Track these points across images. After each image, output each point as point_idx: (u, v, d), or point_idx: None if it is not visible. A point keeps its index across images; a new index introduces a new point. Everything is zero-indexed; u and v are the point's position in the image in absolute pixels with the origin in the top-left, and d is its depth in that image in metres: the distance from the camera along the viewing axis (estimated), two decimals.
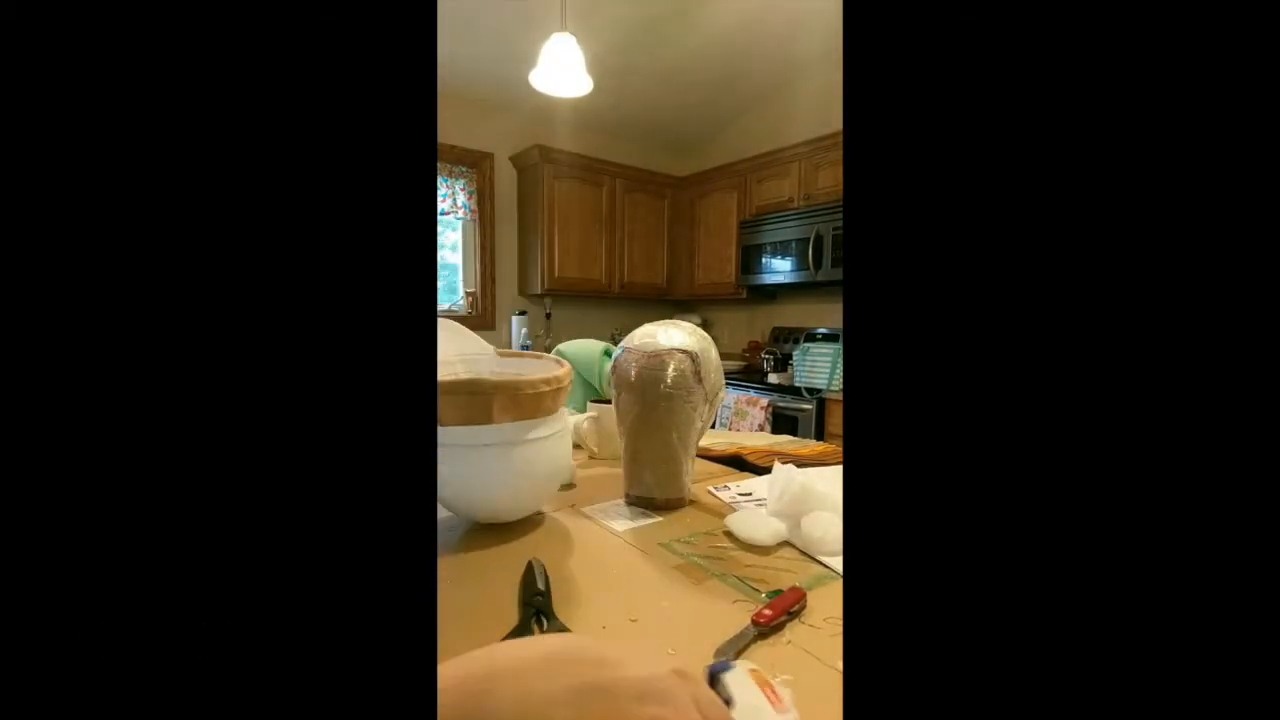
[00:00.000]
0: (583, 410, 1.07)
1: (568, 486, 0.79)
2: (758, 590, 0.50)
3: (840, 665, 0.40)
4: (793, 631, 0.44)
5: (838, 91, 2.72)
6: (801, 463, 0.87)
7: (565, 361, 0.69)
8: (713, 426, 2.06)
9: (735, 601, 0.48)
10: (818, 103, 2.84)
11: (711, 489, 0.80)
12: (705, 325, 3.55)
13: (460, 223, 3.08)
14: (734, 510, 0.67)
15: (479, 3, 2.25)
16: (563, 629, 0.42)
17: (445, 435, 0.57)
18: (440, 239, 3.04)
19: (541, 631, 0.42)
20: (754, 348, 3.20)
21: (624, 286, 3.31)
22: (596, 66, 2.04)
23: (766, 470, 0.87)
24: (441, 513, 0.66)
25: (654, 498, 0.71)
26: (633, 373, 0.70)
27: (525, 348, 3.00)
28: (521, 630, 0.42)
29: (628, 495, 0.73)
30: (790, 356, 2.69)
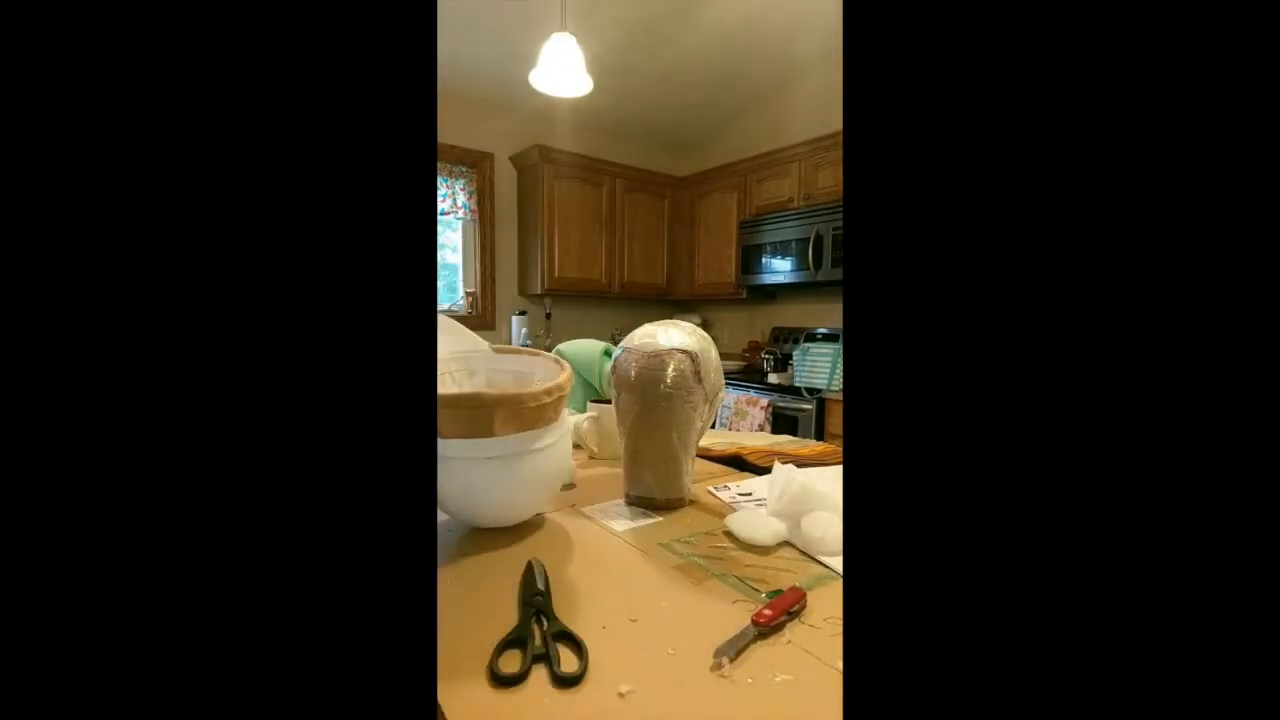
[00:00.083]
0: (583, 410, 1.07)
1: (568, 487, 0.79)
2: (758, 590, 0.50)
3: (840, 665, 0.39)
4: (793, 631, 0.44)
5: (838, 91, 2.72)
6: (801, 463, 0.87)
7: (565, 361, 0.69)
8: (713, 426, 2.06)
9: (735, 601, 0.48)
10: (818, 103, 2.84)
11: (711, 489, 0.80)
12: (705, 325, 3.55)
13: (460, 223, 3.08)
14: (734, 510, 0.67)
15: (479, 3, 2.25)
16: (563, 629, 0.42)
17: (446, 448, 0.56)
18: (440, 239, 3.04)
19: (542, 631, 0.42)
20: (754, 348, 3.20)
21: (624, 286, 3.31)
22: (596, 66, 2.04)
23: (766, 470, 0.87)
24: (441, 515, 0.66)
25: (654, 498, 0.71)
26: (633, 373, 0.70)
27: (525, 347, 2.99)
28: (522, 630, 0.42)
29: (628, 495, 0.73)
30: (790, 356, 2.69)
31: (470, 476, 0.57)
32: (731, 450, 0.98)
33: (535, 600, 0.46)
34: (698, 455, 0.87)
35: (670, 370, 0.68)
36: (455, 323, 0.76)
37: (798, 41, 2.62)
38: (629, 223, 3.27)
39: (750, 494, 0.78)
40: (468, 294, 3.13)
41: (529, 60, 1.76)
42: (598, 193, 3.14)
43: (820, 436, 2.32)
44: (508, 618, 0.45)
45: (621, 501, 0.74)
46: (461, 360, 0.73)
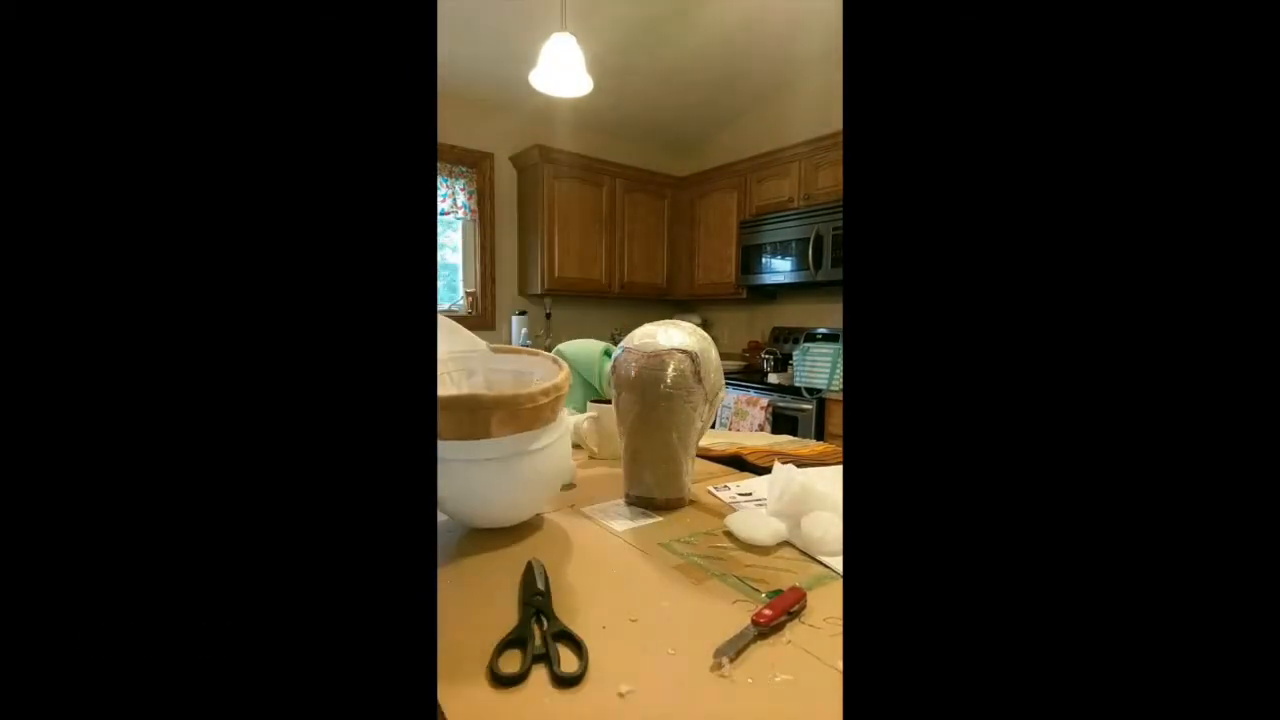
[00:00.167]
0: (583, 410, 1.07)
1: (568, 487, 0.79)
2: (758, 590, 0.50)
3: (840, 665, 0.39)
4: (793, 631, 0.44)
5: (838, 91, 2.72)
6: (801, 463, 0.87)
7: (563, 361, 0.68)
8: (713, 426, 2.06)
9: (735, 601, 0.48)
10: (818, 103, 2.84)
11: (711, 489, 0.80)
12: (705, 325, 3.55)
13: (460, 223, 3.08)
14: (734, 510, 0.67)
15: (479, 3, 2.25)
16: (563, 629, 0.42)
17: (443, 450, 0.56)
18: (440, 239, 3.04)
19: (542, 631, 0.42)
20: (754, 348, 3.20)
21: (624, 286, 3.31)
22: (596, 66, 2.04)
23: (766, 470, 0.87)
24: (440, 516, 0.66)
25: (654, 498, 0.71)
26: (633, 373, 0.70)
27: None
28: (522, 630, 0.42)
29: (628, 495, 0.73)
30: (790, 356, 2.69)
31: (468, 478, 0.57)
32: (731, 450, 0.98)
33: (535, 600, 0.46)
34: (698, 455, 0.87)
35: (670, 370, 0.68)
36: (453, 323, 0.76)
37: (798, 41, 2.62)
38: (629, 223, 3.27)
39: (750, 494, 0.78)
40: (468, 294, 3.13)
41: (529, 60, 1.76)
42: (598, 193, 3.14)
43: (820, 436, 2.32)
44: (508, 618, 0.45)
45: (621, 501, 0.74)
46: (459, 360, 0.73)
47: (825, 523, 0.58)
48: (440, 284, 3.07)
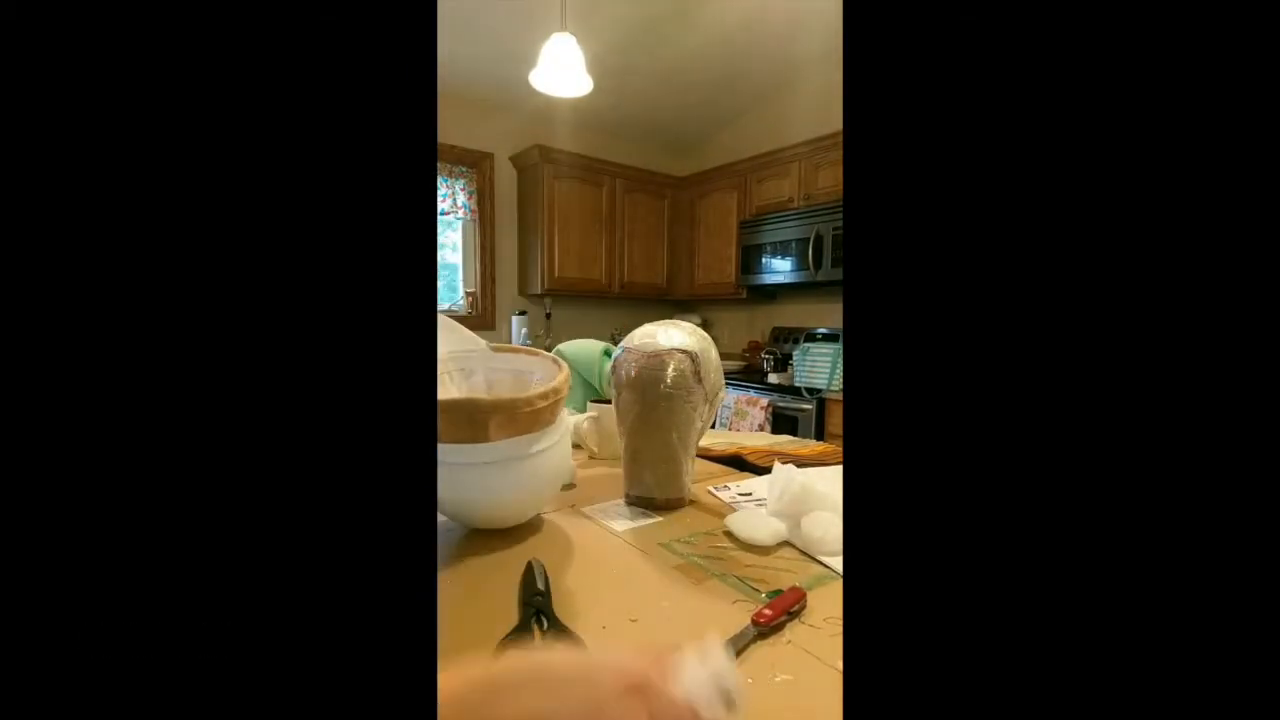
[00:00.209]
0: (583, 410, 1.07)
1: (568, 487, 0.79)
2: (758, 590, 0.50)
3: (840, 665, 0.40)
4: (793, 631, 0.44)
5: (838, 91, 2.71)
6: (801, 463, 0.87)
7: (563, 361, 0.68)
8: (713, 426, 2.06)
9: (735, 601, 0.48)
10: (818, 103, 2.84)
11: (711, 489, 0.80)
12: (705, 325, 3.54)
13: (460, 223, 3.08)
14: (734, 510, 0.67)
15: (479, 3, 2.25)
16: (563, 629, 0.42)
17: (442, 453, 0.55)
18: (440, 239, 3.04)
19: (542, 632, 0.42)
20: (754, 348, 3.20)
21: (624, 286, 3.31)
22: (596, 66, 2.04)
23: (766, 470, 0.87)
24: (440, 517, 0.66)
25: (654, 498, 0.71)
26: (633, 373, 0.70)
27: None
28: (522, 630, 0.42)
29: (628, 495, 0.73)
30: (790, 356, 2.69)
31: (467, 481, 0.57)
32: (731, 450, 0.98)
33: (535, 600, 0.46)
34: (698, 455, 0.87)
35: (670, 370, 0.68)
36: (453, 322, 0.75)
37: (798, 41, 2.62)
38: (629, 223, 3.27)
39: (750, 494, 0.78)
40: (468, 294, 3.13)
41: (529, 60, 1.76)
42: (598, 193, 3.15)
43: (820, 436, 2.32)
44: (508, 618, 0.45)
45: (621, 501, 0.74)
46: (459, 360, 0.73)
47: (825, 523, 0.58)
48: (440, 284, 3.07)
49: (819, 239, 2.55)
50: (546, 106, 2.95)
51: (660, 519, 0.68)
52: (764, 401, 2.50)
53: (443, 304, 3.08)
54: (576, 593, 0.49)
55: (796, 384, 2.47)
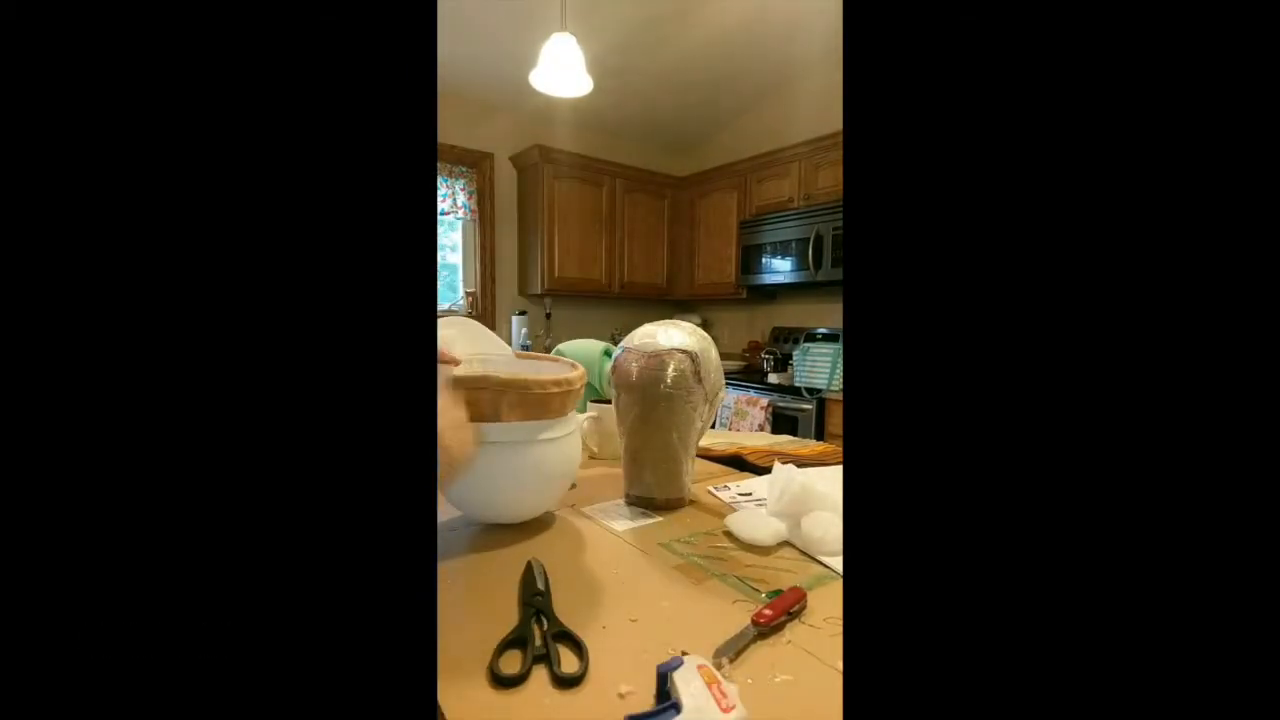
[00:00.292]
0: (583, 410, 1.07)
1: (570, 487, 0.79)
2: (758, 590, 0.50)
3: (840, 665, 0.39)
4: (793, 631, 0.44)
5: (838, 91, 2.71)
6: (801, 463, 0.87)
7: (580, 365, 0.69)
8: (713, 426, 2.06)
9: (735, 601, 0.48)
10: (818, 103, 2.84)
11: (711, 489, 0.80)
12: (705, 325, 3.55)
13: (460, 223, 3.08)
14: (734, 510, 0.67)
15: (479, 3, 2.25)
16: (563, 629, 0.42)
17: None
18: (440, 239, 3.04)
19: (542, 632, 0.42)
20: (754, 348, 3.20)
21: (624, 286, 3.31)
22: (596, 66, 2.04)
23: (766, 470, 0.87)
24: (444, 514, 0.66)
25: (654, 498, 0.71)
26: (633, 373, 0.70)
27: (525, 348, 3.00)
28: (522, 630, 0.42)
29: (628, 495, 0.73)
30: (790, 356, 2.69)
31: (477, 464, 0.57)
32: (731, 450, 0.98)
33: (535, 600, 0.46)
34: (698, 455, 0.87)
35: (670, 370, 0.68)
36: (481, 326, 0.77)
37: (798, 41, 2.62)
38: (629, 223, 3.27)
39: (750, 494, 0.78)
40: (468, 294, 3.13)
41: (529, 60, 1.76)
42: (597, 193, 3.14)
43: (820, 436, 2.32)
44: (508, 618, 0.45)
45: (621, 501, 0.74)
46: (482, 360, 0.74)
47: (825, 523, 0.58)
48: (440, 284, 3.07)
49: (819, 239, 2.55)
50: (546, 106, 2.95)
51: (660, 519, 0.68)
52: (764, 401, 2.50)
53: (443, 304, 3.08)
54: (576, 592, 0.49)
55: (796, 384, 2.47)
